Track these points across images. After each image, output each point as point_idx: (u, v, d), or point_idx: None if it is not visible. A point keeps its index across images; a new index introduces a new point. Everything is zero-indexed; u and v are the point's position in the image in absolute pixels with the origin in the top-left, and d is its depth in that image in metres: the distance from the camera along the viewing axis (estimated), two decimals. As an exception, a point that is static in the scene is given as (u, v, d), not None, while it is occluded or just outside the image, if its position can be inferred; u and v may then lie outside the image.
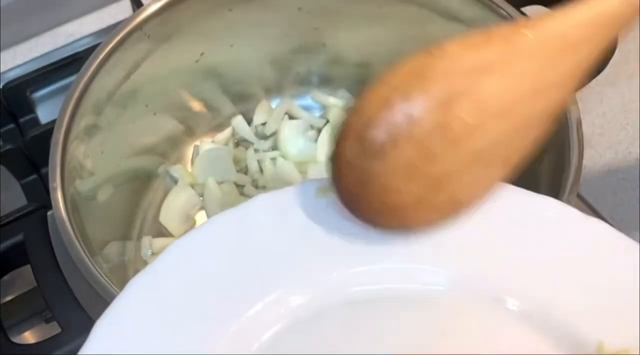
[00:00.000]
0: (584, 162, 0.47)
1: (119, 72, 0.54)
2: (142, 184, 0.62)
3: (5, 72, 0.75)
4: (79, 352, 0.33)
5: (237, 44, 0.62)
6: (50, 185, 0.47)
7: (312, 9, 0.61)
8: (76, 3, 0.80)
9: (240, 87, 0.66)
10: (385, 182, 0.33)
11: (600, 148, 0.69)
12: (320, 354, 0.34)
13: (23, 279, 0.57)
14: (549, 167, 0.52)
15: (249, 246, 0.37)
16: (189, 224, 0.62)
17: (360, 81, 0.67)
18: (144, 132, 0.61)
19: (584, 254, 0.36)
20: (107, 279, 0.44)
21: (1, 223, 0.56)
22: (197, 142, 0.66)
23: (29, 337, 0.58)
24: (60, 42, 0.78)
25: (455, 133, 0.33)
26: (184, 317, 0.34)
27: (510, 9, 0.52)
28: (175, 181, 0.64)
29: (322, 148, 0.64)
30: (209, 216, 0.62)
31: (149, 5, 0.54)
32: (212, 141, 0.66)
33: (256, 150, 0.66)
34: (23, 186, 0.66)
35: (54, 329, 0.44)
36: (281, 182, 0.63)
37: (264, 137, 0.67)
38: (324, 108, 0.68)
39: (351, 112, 0.34)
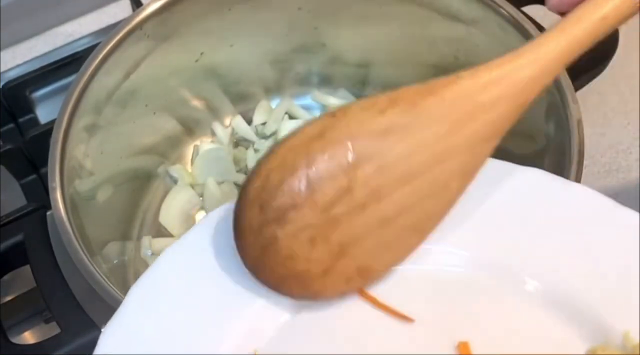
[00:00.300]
0: (584, 162, 0.47)
1: (118, 71, 0.54)
2: (142, 184, 0.62)
3: (5, 72, 0.75)
4: None
5: (237, 44, 0.62)
6: (50, 185, 0.47)
7: (312, 9, 0.61)
8: (76, 3, 0.80)
9: (240, 87, 0.66)
10: (288, 248, 0.33)
11: (600, 148, 0.69)
12: (336, 331, 0.34)
13: (23, 279, 0.57)
14: (549, 167, 0.52)
15: None
16: (189, 224, 0.62)
17: (360, 81, 0.68)
18: (143, 132, 0.60)
19: (610, 238, 0.36)
20: (106, 279, 0.44)
21: (1, 223, 0.56)
22: (197, 142, 0.66)
23: (28, 337, 0.58)
24: (59, 41, 0.78)
25: (358, 198, 0.32)
26: (186, 320, 0.34)
27: (511, 9, 0.52)
28: (175, 181, 0.63)
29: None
30: (208, 216, 0.62)
31: (148, 5, 0.54)
32: (212, 141, 0.66)
33: (256, 150, 0.66)
34: (23, 186, 0.66)
35: (53, 329, 0.44)
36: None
37: (264, 137, 0.67)
38: (324, 108, 0.68)
39: (253, 178, 0.33)
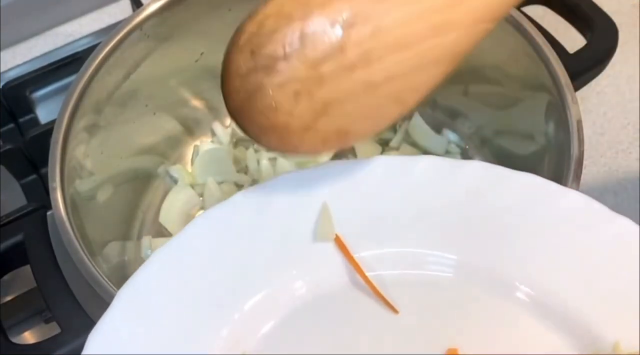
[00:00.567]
0: (584, 162, 0.47)
1: (118, 72, 0.54)
2: (142, 184, 0.62)
3: (5, 72, 0.75)
4: None
5: (237, 43, 0.62)
6: (50, 185, 0.47)
7: (312, 8, 0.61)
8: (76, 3, 0.80)
9: (240, 87, 0.66)
10: (272, 98, 0.33)
11: (600, 148, 0.69)
12: (323, 337, 0.34)
13: (23, 279, 0.57)
14: (548, 167, 0.52)
15: (245, 234, 0.37)
16: (189, 224, 0.62)
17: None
18: (143, 132, 0.60)
19: (603, 247, 0.35)
20: (106, 279, 0.44)
21: (1, 223, 0.56)
22: (197, 142, 0.66)
23: (28, 337, 0.58)
24: (59, 42, 0.78)
25: (349, 59, 0.32)
26: (174, 323, 0.34)
27: (511, 9, 0.52)
28: (175, 181, 0.63)
29: (322, 148, 0.64)
30: (208, 216, 0.62)
31: (148, 5, 0.54)
32: (212, 141, 0.66)
33: (256, 150, 0.65)
34: (23, 186, 0.66)
35: (53, 329, 0.44)
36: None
37: (264, 137, 0.66)
38: (324, 108, 0.68)
39: (248, 23, 0.33)
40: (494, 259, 0.36)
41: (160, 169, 0.64)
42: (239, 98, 0.34)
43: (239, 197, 0.38)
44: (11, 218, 0.57)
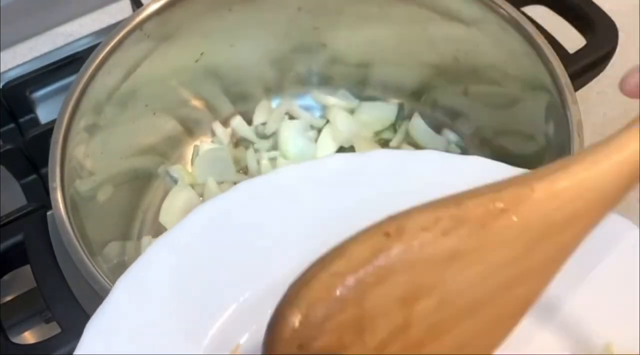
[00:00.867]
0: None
1: (118, 72, 0.54)
2: (142, 184, 0.62)
3: (5, 72, 0.75)
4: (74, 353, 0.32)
5: (237, 44, 0.62)
6: (50, 185, 0.47)
7: (312, 9, 0.61)
8: (76, 3, 0.80)
9: (240, 87, 0.66)
10: None
11: (600, 148, 0.69)
12: None
13: (23, 279, 0.57)
14: (549, 167, 0.52)
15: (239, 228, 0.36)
16: (189, 224, 0.62)
17: (360, 81, 0.68)
18: (143, 132, 0.60)
19: (594, 247, 0.33)
20: (107, 279, 0.44)
21: (1, 223, 0.56)
22: (197, 142, 0.66)
23: (28, 337, 0.58)
24: (59, 42, 0.78)
25: (415, 337, 0.28)
26: (169, 315, 0.34)
27: (510, 9, 0.52)
28: (175, 181, 0.64)
29: (322, 148, 0.64)
30: (208, 216, 0.62)
31: (148, 5, 0.54)
32: (212, 141, 0.66)
33: (256, 150, 0.66)
34: (23, 186, 0.66)
35: (53, 329, 0.44)
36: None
37: (264, 137, 0.67)
38: (324, 108, 0.68)
39: (291, 309, 0.27)
40: None
41: (160, 169, 0.64)
42: None
43: (241, 190, 0.38)
44: (11, 218, 0.57)
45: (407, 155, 0.38)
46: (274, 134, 0.66)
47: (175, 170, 0.64)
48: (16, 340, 0.55)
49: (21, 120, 0.71)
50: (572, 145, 0.47)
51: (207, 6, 0.57)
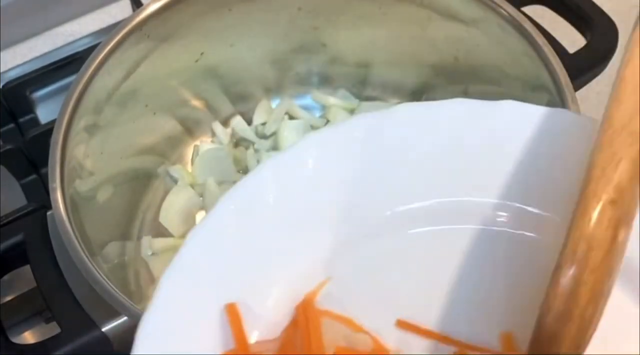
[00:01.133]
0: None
1: (118, 72, 0.54)
2: (142, 184, 0.62)
3: (5, 72, 0.75)
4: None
5: (237, 44, 0.62)
6: (50, 185, 0.47)
7: (312, 9, 0.61)
8: (76, 3, 0.80)
9: (240, 87, 0.66)
10: None
11: (600, 148, 0.69)
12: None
13: (23, 279, 0.57)
14: (549, 167, 0.52)
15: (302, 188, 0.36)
16: (189, 224, 0.62)
17: (360, 81, 0.68)
18: (143, 132, 0.61)
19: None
20: (106, 279, 0.44)
21: (1, 223, 0.56)
22: (197, 142, 0.66)
23: (28, 337, 0.58)
24: (59, 42, 0.78)
25: None
26: (242, 264, 0.34)
27: (510, 9, 0.52)
28: (175, 181, 0.64)
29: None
30: (208, 216, 0.62)
31: (148, 5, 0.54)
32: (212, 141, 0.66)
33: (256, 150, 0.66)
34: (23, 186, 0.66)
35: (53, 329, 0.44)
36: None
37: (264, 137, 0.67)
38: (324, 108, 0.68)
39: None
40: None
41: (160, 169, 0.64)
42: None
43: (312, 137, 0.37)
44: (11, 218, 0.57)
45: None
46: (274, 134, 0.66)
47: (175, 170, 0.64)
48: (16, 340, 0.55)
49: (21, 120, 0.71)
50: (572, 145, 0.46)
51: (207, 6, 0.57)
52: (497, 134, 0.37)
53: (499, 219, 0.36)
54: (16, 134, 0.70)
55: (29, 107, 0.72)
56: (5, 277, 0.52)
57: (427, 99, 0.66)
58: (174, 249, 0.59)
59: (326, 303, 0.34)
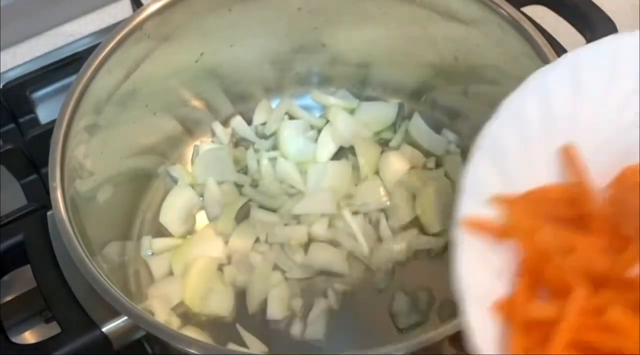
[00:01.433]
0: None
1: (118, 72, 0.54)
2: (142, 184, 0.62)
3: (5, 72, 0.75)
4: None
5: (237, 44, 0.62)
6: (50, 185, 0.47)
7: (312, 9, 0.61)
8: (76, 3, 0.80)
9: (240, 87, 0.66)
10: None
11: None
12: None
13: (23, 279, 0.57)
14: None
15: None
16: (189, 224, 0.62)
17: (360, 81, 0.68)
18: (143, 132, 0.61)
19: None
20: (107, 278, 0.44)
21: (1, 223, 0.56)
22: (197, 142, 0.66)
23: (29, 337, 0.58)
24: (60, 42, 0.78)
25: None
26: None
27: (510, 9, 0.52)
28: (175, 181, 0.64)
29: (322, 148, 0.64)
30: (209, 216, 0.62)
31: (148, 5, 0.54)
32: (212, 141, 0.67)
33: (256, 150, 0.66)
34: (23, 186, 0.66)
35: (53, 329, 0.44)
36: (281, 182, 0.63)
37: (264, 137, 0.67)
38: (324, 108, 0.68)
39: None
40: None
41: (160, 169, 0.64)
42: None
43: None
44: (11, 218, 0.57)
45: None
46: (274, 134, 0.66)
47: (175, 170, 0.64)
48: (16, 340, 0.55)
49: (21, 120, 0.71)
50: (572, 145, 0.46)
51: (207, 6, 0.57)
52: None
53: None
54: (16, 134, 0.70)
55: (29, 107, 0.72)
56: (6, 277, 0.52)
57: (427, 99, 0.66)
58: (174, 249, 0.60)
59: None
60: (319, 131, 0.66)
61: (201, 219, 0.62)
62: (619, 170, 0.37)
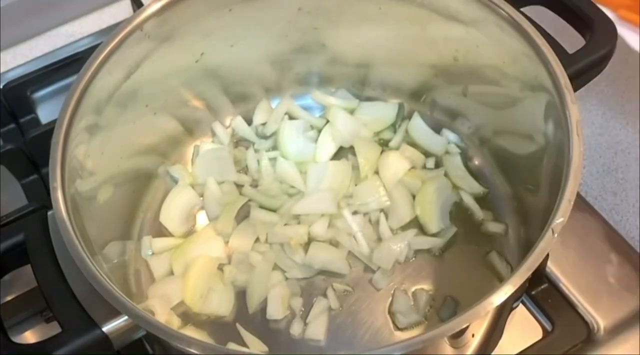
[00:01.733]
0: (583, 162, 0.47)
1: (119, 72, 0.54)
2: (142, 184, 0.62)
3: (5, 72, 0.76)
4: None
5: (237, 44, 0.62)
6: (51, 185, 0.47)
7: (312, 9, 0.61)
8: (76, 3, 0.80)
9: (240, 88, 0.66)
10: None
11: (599, 148, 0.69)
12: None
13: (23, 279, 0.57)
14: (547, 166, 0.52)
15: None
16: (189, 224, 0.62)
17: (360, 81, 0.68)
18: (144, 132, 0.61)
19: None
20: (107, 278, 0.44)
21: (1, 223, 0.56)
22: (197, 142, 0.66)
23: (29, 336, 0.58)
24: (60, 42, 0.79)
25: None
26: None
27: (510, 9, 0.52)
28: (175, 181, 0.64)
29: (322, 148, 0.65)
30: (209, 216, 0.62)
31: (149, 5, 0.54)
32: (212, 141, 0.67)
33: (256, 150, 0.66)
34: (23, 186, 0.66)
35: (54, 328, 0.44)
36: (281, 182, 0.63)
37: (264, 137, 0.67)
38: (324, 108, 0.68)
39: None
40: None
41: (161, 169, 0.64)
42: None
43: None
44: (12, 218, 0.57)
45: None
46: (274, 134, 0.66)
47: (175, 170, 0.64)
48: (17, 339, 0.55)
49: (22, 120, 0.71)
50: (572, 145, 0.47)
51: (207, 6, 0.57)
52: None
53: None
54: (17, 134, 0.70)
55: (30, 107, 0.72)
56: (6, 277, 0.52)
57: (427, 99, 0.66)
58: (174, 249, 0.60)
59: None
60: (319, 131, 0.66)
61: (201, 219, 0.62)
62: None
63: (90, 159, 0.53)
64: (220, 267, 0.58)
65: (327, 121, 0.66)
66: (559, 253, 0.59)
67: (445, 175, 0.63)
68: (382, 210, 0.61)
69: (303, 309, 0.57)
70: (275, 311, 0.56)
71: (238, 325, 0.56)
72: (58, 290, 0.46)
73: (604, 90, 0.73)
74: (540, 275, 0.58)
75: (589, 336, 0.56)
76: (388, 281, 0.58)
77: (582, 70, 0.53)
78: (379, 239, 0.59)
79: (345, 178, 0.62)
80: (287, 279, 0.58)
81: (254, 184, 0.64)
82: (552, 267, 0.58)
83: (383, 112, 0.67)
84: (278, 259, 0.59)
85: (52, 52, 0.77)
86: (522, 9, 0.54)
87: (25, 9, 0.77)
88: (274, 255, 0.59)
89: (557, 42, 0.54)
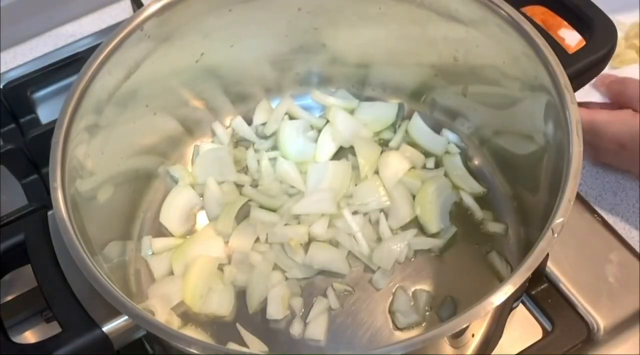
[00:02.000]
0: (584, 162, 0.47)
1: (119, 72, 0.54)
2: (142, 184, 0.62)
3: (5, 72, 0.76)
4: None
5: (238, 44, 0.62)
6: (51, 185, 0.47)
7: (312, 9, 0.61)
8: (76, 3, 0.80)
9: (240, 88, 0.66)
10: None
11: (599, 148, 0.69)
12: None
13: (23, 279, 0.57)
14: (547, 166, 0.52)
15: None
16: (189, 223, 0.62)
17: (360, 81, 0.68)
18: (144, 132, 0.61)
19: None
20: (107, 278, 0.44)
21: (2, 223, 0.56)
22: (197, 142, 0.66)
23: (29, 336, 0.58)
24: (60, 42, 0.79)
25: None
26: None
27: (510, 9, 0.52)
28: (176, 181, 0.64)
29: (322, 148, 0.65)
30: (209, 216, 0.62)
31: (149, 5, 0.54)
32: (212, 141, 0.67)
33: (256, 150, 0.66)
34: (24, 186, 0.66)
35: (54, 328, 0.44)
36: (281, 182, 0.63)
37: (264, 137, 0.67)
38: (324, 108, 0.68)
39: None
40: None
41: (161, 169, 0.64)
42: None
43: None
44: (12, 218, 0.57)
45: None
46: (274, 134, 0.66)
47: (175, 170, 0.64)
48: (17, 339, 0.55)
49: (22, 120, 0.71)
50: (572, 145, 0.47)
51: (207, 6, 0.57)
52: None
53: None
54: (17, 134, 0.70)
55: (30, 107, 0.72)
56: (6, 277, 0.52)
57: (427, 99, 0.66)
58: (174, 249, 0.60)
59: None
60: (319, 131, 0.66)
61: (201, 218, 0.63)
62: None
63: (90, 159, 0.53)
64: (220, 267, 0.58)
65: (327, 121, 0.66)
66: (558, 253, 0.59)
67: (445, 175, 0.63)
68: (382, 210, 0.61)
69: (303, 309, 0.57)
70: (275, 311, 0.56)
71: (238, 325, 0.56)
72: (58, 290, 0.46)
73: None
74: (540, 275, 0.58)
75: (588, 336, 0.56)
76: (388, 281, 0.58)
77: (582, 70, 0.53)
78: (379, 239, 0.59)
79: (345, 178, 0.62)
80: (287, 279, 0.58)
81: (254, 184, 0.64)
82: (552, 267, 0.58)
83: (383, 112, 0.67)
84: (278, 259, 0.59)
85: (52, 52, 0.77)
86: (522, 9, 0.54)
87: (25, 9, 0.77)
88: (274, 255, 0.59)
89: (557, 42, 0.54)
